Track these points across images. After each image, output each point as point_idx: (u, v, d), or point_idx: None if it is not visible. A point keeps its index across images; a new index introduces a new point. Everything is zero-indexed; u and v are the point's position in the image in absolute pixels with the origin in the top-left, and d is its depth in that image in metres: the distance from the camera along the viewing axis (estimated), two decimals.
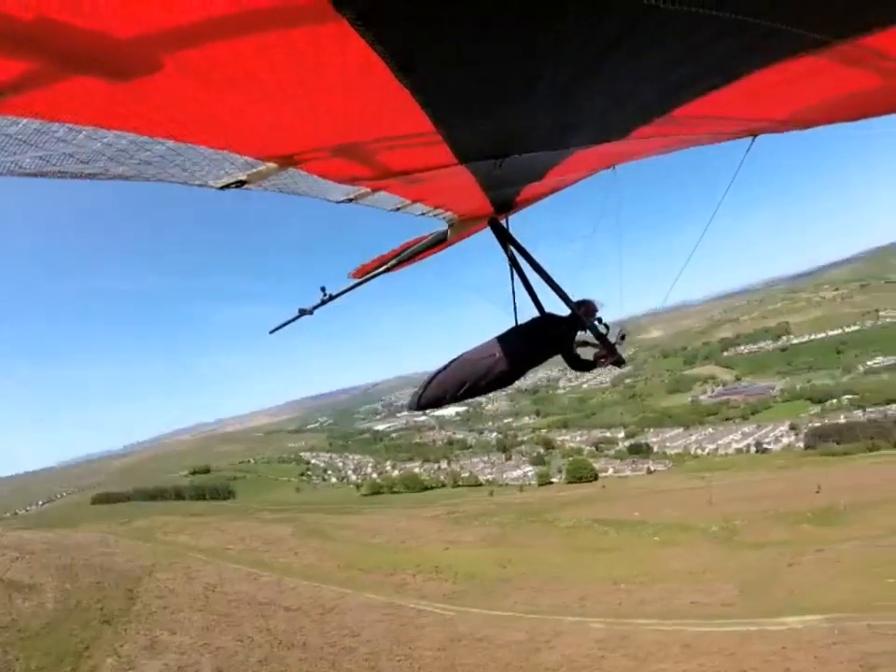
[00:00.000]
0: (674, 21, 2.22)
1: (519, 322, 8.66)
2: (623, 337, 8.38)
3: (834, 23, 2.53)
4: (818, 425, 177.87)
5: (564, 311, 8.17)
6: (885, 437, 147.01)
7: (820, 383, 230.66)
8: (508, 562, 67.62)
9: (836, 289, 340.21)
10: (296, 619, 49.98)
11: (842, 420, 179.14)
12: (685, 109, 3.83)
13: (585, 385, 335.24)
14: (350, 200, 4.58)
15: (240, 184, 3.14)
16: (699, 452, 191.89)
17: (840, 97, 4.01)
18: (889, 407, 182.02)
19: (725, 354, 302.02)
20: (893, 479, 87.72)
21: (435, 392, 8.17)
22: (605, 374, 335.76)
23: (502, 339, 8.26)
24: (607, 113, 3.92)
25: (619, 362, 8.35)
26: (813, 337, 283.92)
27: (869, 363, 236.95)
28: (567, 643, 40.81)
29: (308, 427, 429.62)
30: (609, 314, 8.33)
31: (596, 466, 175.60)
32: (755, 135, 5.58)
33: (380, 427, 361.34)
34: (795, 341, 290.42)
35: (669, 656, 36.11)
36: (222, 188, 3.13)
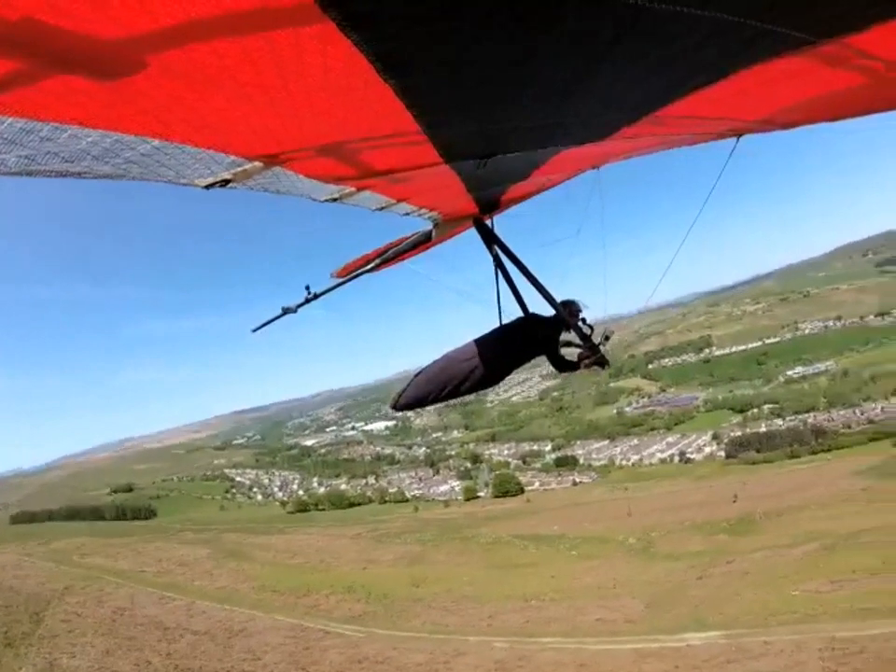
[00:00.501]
0: (660, 21, 2.24)
1: (503, 322, 8.64)
2: (607, 338, 8.33)
3: (819, 23, 2.57)
4: (738, 434, 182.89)
5: (547, 311, 8.25)
6: (803, 444, 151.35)
7: (741, 393, 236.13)
8: (423, 581, 68.83)
9: (757, 303, 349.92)
10: (200, 643, 50.03)
11: (762, 429, 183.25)
12: (670, 109, 3.80)
13: (514, 398, 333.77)
14: (335, 199, 4.51)
15: (225, 183, 3.09)
16: (624, 462, 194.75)
17: (822, 96, 4.00)
18: (808, 415, 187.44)
19: (650, 366, 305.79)
20: (808, 485, 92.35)
21: (416, 392, 8.11)
22: (533, 388, 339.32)
23: (487, 339, 8.31)
24: (592, 113, 3.90)
25: (602, 362, 8.26)
26: (734, 349, 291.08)
27: (789, 373, 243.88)
28: (466, 664, 41.69)
29: (234, 442, 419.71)
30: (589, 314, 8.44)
31: (523, 479, 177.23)
32: (739, 136, 5.61)
33: (308, 442, 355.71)
34: (717, 353, 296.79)
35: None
36: (207, 187, 3.07)
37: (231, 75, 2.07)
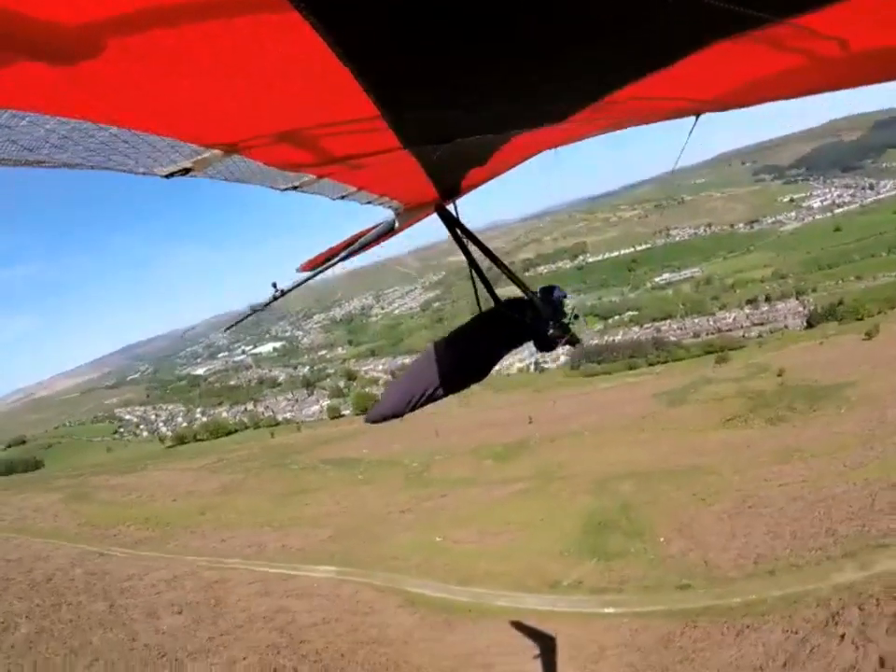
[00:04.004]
0: (607, 2, 2.31)
1: (482, 309, 8.47)
2: (576, 316, 8.21)
3: (772, 1, 2.54)
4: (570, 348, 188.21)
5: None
6: (642, 355, 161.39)
7: (608, 300, 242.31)
8: (210, 509, 79.79)
9: (633, 209, 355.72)
10: (12, 569, 61.62)
11: (618, 337, 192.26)
12: (626, 91, 3.86)
13: (397, 311, 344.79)
14: (295, 188, 4.59)
15: (185, 171, 3.13)
16: None
17: (777, 74, 4.08)
18: (664, 322, 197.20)
19: (527, 273, 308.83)
20: (605, 406, 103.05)
21: (393, 402, 8.02)
22: (415, 300, 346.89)
23: (469, 330, 8.26)
24: (547, 98, 3.99)
25: (574, 341, 8.23)
26: (607, 255, 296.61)
27: (656, 279, 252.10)
28: (160, 577, 54.31)
29: (128, 378, 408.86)
30: None
31: None
32: (698, 114, 5.71)
33: (199, 371, 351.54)
34: (591, 259, 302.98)
35: (198, 588, 50.65)
36: (167, 176, 3.12)
37: (189, 60, 2.11)
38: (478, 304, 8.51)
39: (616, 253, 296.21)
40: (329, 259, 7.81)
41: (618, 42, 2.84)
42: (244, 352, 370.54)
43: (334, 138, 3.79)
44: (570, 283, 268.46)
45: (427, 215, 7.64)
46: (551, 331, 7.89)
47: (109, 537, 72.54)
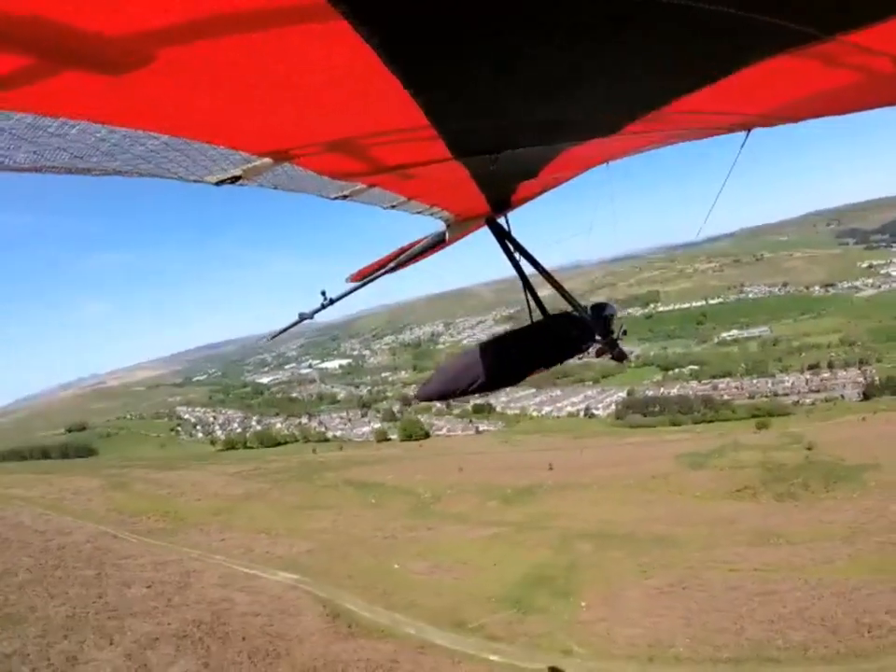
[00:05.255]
0: (667, 16, 2.29)
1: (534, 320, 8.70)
2: (624, 332, 8.42)
3: (828, 18, 2.60)
4: (626, 396, 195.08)
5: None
6: (689, 412, 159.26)
7: (672, 351, 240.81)
8: (228, 511, 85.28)
9: (710, 262, 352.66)
10: (33, 536, 67.73)
11: (675, 390, 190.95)
12: (677, 105, 3.94)
13: (464, 341, 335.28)
14: (345, 196, 4.68)
15: (235, 179, 3.21)
16: (535, 413, 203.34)
17: (829, 91, 4.14)
18: (722, 380, 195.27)
19: None
20: (626, 461, 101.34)
21: (440, 387, 8.32)
22: (485, 331, 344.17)
23: (518, 335, 8.57)
24: (599, 109, 4.07)
25: (621, 357, 8.34)
26: (678, 306, 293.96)
27: (724, 335, 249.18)
28: (152, 560, 60.28)
29: (195, 379, 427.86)
30: None
31: (438, 423, 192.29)
32: (749, 129, 5.71)
33: (264, 379, 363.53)
34: (662, 308, 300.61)
35: (175, 573, 56.08)
36: (217, 183, 3.19)
37: (239, 71, 2.16)
38: (530, 317, 8.77)
39: (688, 305, 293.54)
40: (377, 270, 8.25)
41: (671, 55, 3.02)
42: (310, 366, 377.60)
43: (385, 147, 3.96)
44: (637, 331, 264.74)
45: (478, 227, 7.91)
46: (598, 346, 8.22)
47: (129, 523, 78.32)
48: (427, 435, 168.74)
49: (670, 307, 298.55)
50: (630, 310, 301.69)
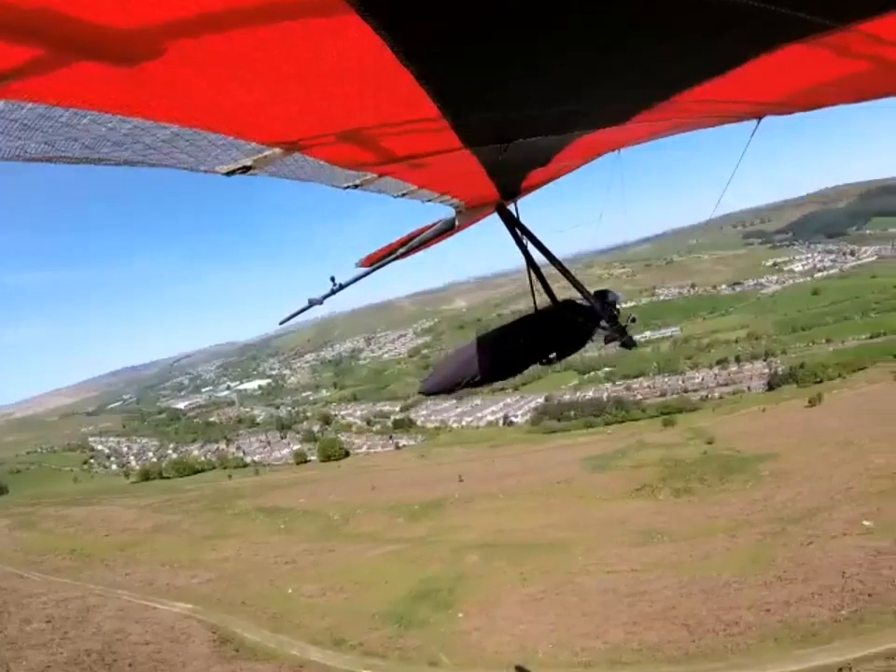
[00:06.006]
0: (680, 5, 2.30)
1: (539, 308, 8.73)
2: (633, 320, 8.45)
3: (840, 8, 2.61)
4: (543, 402, 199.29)
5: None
6: (600, 414, 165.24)
7: (588, 355, 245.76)
8: (133, 545, 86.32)
9: (624, 267, 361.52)
10: None
11: (591, 393, 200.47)
12: (688, 94, 3.96)
13: (385, 356, 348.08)
14: (356, 186, 4.69)
15: (245, 169, 3.22)
16: (455, 425, 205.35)
17: (840, 79, 4.14)
18: (636, 380, 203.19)
19: None
20: (533, 469, 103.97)
21: (443, 380, 8.41)
22: (405, 345, 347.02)
23: (525, 323, 8.56)
24: (610, 98, 4.09)
25: (630, 344, 8.36)
26: None
27: (637, 336, 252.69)
28: (55, 598, 61.39)
29: (109, 406, 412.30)
30: None
31: (358, 441, 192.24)
32: (760, 118, 5.75)
33: (180, 404, 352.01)
34: None
35: (76, 609, 57.64)
36: (228, 173, 3.20)
37: (249, 63, 2.17)
38: (535, 305, 8.79)
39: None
40: (387, 256, 8.12)
41: (686, 45, 3.02)
42: (228, 388, 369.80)
43: (396, 138, 3.98)
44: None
45: (488, 214, 7.96)
46: (607, 333, 8.11)
47: (35, 563, 78.67)
48: (346, 454, 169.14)
49: None
50: None
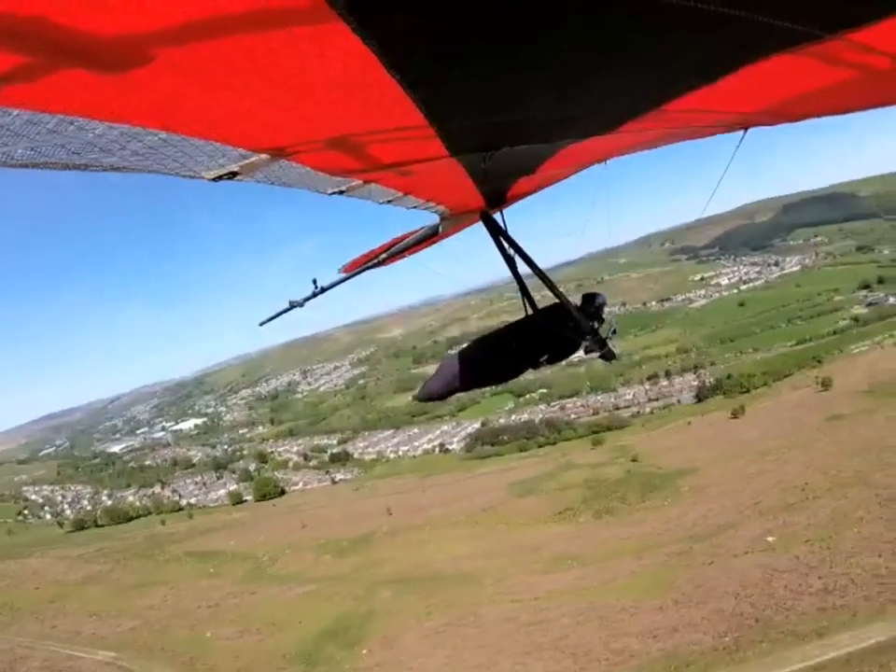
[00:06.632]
0: (667, 15, 2.27)
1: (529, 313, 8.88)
2: (614, 331, 8.42)
3: (828, 17, 2.60)
4: (479, 428, 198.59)
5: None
6: (533, 436, 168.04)
7: (523, 378, 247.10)
8: (61, 598, 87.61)
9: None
10: None
11: (526, 416, 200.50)
12: (676, 104, 3.96)
13: (322, 388, 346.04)
14: (341, 192, 4.66)
15: (232, 175, 3.20)
16: (392, 455, 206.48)
17: (826, 89, 4.15)
18: (570, 400, 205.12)
19: (450, 352, 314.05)
20: (464, 496, 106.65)
21: (440, 386, 8.52)
22: (342, 376, 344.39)
23: (516, 328, 8.67)
24: (597, 107, 4.08)
25: (609, 356, 8.43)
26: None
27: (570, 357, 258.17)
28: None
29: (42, 453, 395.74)
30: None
31: (294, 478, 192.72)
32: (747, 128, 5.73)
33: (115, 448, 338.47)
34: None
35: (4, 661, 60.89)
36: (214, 179, 3.19)
37: (237, 71, 2.15)
38: (525, 311, 8.90)
39: None
40: (370, 261, 8.10)
41: (674, 55, 3.07)
42: (164, 428, 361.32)
43: (382, 145, 3.97)
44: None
45: (473, 222, 8.01)
46: (587, 345, 8.13)
47: None
48: (282, 492, 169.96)
49: None
50: None
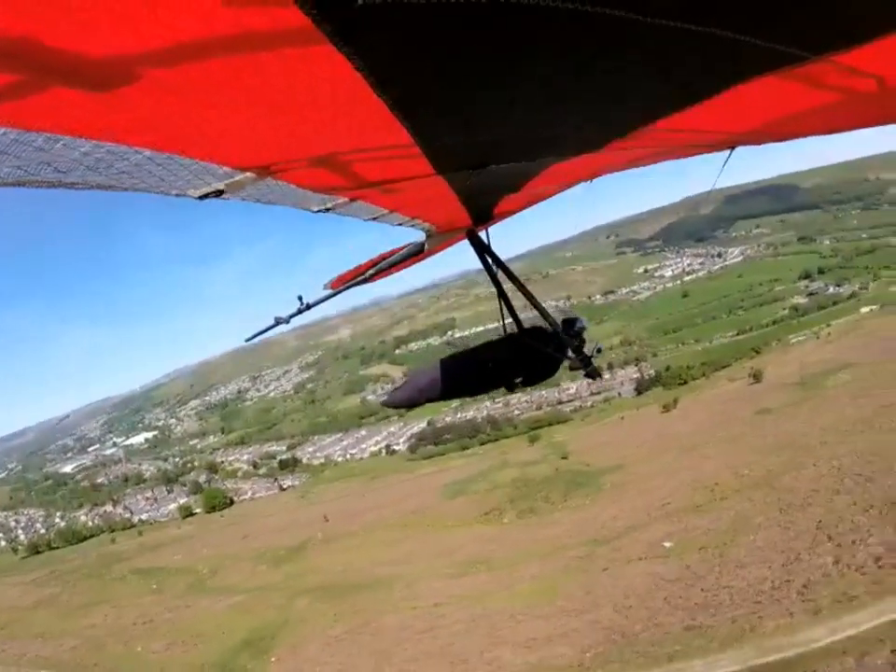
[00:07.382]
0: (652, 36, 2.25)
1: (509, 332, 8.84)
2: (598, 350, 8.37)
3: (815, 39, 2.62)
4: (424, 427, 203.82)
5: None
6: (475, 435, 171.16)
7: None
8: (11, 623, 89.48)
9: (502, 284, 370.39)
10: None
11: (471, 413, 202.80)
12: (662, 124, 3.94)
13: (271, 394, 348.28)
14: (327, 209, 4.68)
15: (218, 193, 3.20)
16: (340, 459, 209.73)
17: (813, 110, 4.20)
18: (514, 395, 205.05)
19: (398, 351, 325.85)
20: (400, 500, 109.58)
21: (410, 394, 8.70)
22: (290, 381, 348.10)
23: (494, 346, 8.78)
24: (583, 126, 4.07)
25: (594, 375, 8.34)
26: (473, 330, 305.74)
27: None
28: None
29: None
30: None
31: (244, 487, 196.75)
32: (733, 147, 5.84)
33: (67, 467, 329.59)
34: (458, 334, 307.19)
35: None
36: (201, 197, 3.19)
37: (223, 91, 2.16)
38: (504, 331, 8.83)
39: (482, 328, 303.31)
40: (356, 277, 8.16)
41: (657, 74, 3.06)
42: (115, 444, 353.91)
43: (368, 163, 4.02)
44: (438, 358, 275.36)
45: (459, 240, 7.94)
46: (571, 363, 8.20)
47: None
48: (231, 503, 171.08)
49: (466, 332, 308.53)
50: (430, 339, 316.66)
